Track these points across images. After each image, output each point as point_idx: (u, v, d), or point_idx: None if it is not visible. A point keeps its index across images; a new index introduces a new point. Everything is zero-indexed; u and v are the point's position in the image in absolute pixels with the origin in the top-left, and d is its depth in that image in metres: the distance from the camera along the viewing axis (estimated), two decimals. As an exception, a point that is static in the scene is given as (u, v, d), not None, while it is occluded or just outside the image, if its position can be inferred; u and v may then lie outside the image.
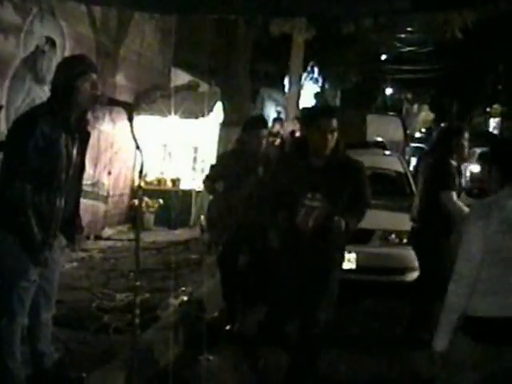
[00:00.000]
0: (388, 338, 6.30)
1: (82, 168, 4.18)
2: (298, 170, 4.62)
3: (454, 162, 5.93)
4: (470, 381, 3.30)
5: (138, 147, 3.74)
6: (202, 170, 12.14)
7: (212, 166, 6.47)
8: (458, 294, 3.29)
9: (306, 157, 4.61)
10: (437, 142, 6.37)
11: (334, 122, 4.53)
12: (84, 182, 4.46)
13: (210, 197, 6.66)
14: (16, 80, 7.70)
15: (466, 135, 6.03)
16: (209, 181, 6.26)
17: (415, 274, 7.11)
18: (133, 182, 11.23)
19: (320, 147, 4.52)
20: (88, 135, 4.20)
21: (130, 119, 3.89)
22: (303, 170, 4.59)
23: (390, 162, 9.63)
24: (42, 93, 7.59)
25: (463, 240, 3.32)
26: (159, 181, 11.64)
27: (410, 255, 7.04)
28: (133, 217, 10.70)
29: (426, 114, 49.90)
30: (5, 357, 3.94)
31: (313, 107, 4.86)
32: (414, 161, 14.07)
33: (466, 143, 6.06)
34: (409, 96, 44.63)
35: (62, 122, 3.90)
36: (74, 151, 4.01)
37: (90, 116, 4.18)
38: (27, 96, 7.84)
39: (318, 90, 24.79)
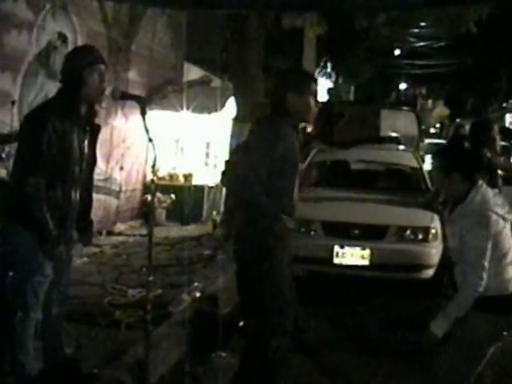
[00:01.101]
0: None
1: (93, 161, 4.17)
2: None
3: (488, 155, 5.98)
4: (488, 354, 3.66)
5: (150, 140, 3.70)
6: (215, 166, 12.13)
7: (226, 162, 6.42)
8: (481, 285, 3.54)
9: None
10: (468, 137, 6.39)
11: None
12: (96, 177, 4.46)
13: (224, 190, 6.63)
14: (29, 75, 7.72)
15: (496, 129, 6.09)
16: (225, 177, 6.22)
17: (431, 271, 7.04)
18: (145, 177, 11.22)
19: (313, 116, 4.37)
20: (98, 128, 4.17)
21: (143, 113, 3.85)
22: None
23: (405, 158, 9.53)
24: (55, 88, 7.50)
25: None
26: (171, 176, 11.61)
27: (426, 252, 6.98)
28: (145, 212, 10.69)
29: (440, 110, 49.59)
30: (18, 351, 3.95)
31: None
32: (428, 158, 13.87)
33: (497, 136, 6.08)
34: (423, 91, 44.41)
35: (73, 115, 3.89)
36: (85, 144, 4.00)
37: (98, 108, 4.12)
38: (40, 91, 7.85)
39: (331, 85, 24.67)
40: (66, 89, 3.94)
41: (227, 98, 11.41)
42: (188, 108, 10.78)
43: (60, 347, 4.25)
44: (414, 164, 9.20)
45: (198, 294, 6.34)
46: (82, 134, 3.95)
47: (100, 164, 9.10)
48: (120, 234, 9.93)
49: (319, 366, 5.46)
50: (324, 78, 23.48)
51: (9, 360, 4.02)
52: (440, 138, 28.40)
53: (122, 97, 4.39)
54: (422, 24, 19.60)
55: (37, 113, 3.97)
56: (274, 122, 4.17)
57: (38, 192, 3.72)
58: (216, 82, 13.20)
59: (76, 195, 3.99)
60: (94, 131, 4.13)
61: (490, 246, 3.55)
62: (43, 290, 3.94)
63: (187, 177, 11.63)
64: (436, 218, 7.07)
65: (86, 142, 4.00)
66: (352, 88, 28.15)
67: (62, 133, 3.79)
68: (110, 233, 9.81)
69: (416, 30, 20.79)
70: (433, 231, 7.07)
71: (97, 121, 4.18)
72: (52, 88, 7.78)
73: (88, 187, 4.24)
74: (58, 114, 3.79)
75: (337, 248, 7.11)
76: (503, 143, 16.58)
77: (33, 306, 3.90)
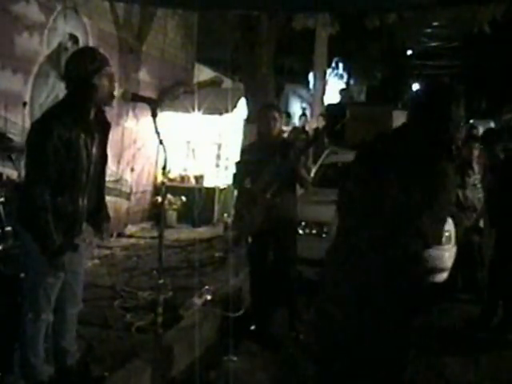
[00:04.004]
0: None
1: (104, 160, 4.14)
2: None
3: None
4: None
5: (161, 142, 3.67)
6: (226, 168, 12.08)
7: (237, 163, 6.38)
8: None
9: None
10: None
11: None
12: (107, 178, 4.42)
13: (235, 192, 6.59)
14: (40, 77, 7.72)
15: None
16: (236, 181, 6.19)
17: (444, 275, 6.98)
18: (155, 178, 11.20)
19: None
20: (108, 125, 4.12)
21: (154, 115, 3.83)
22: None
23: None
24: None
25: None
26: (182, 178, 11.58)
27: (439, 255, 6.92)
28: (156, 214, 10.67)
29: (452, 110, 49.33)
30: (28, 353, 3.95)
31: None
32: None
33: None
34: (435, 92, 44.22)
35: (80, 121, 3.84)
36: (94, 150, 3.96)
37: (106, 108, 4.08)
38: (51, 92, 7.85)
39: (344, 85, 24.61)
40: (73, 95, 3.88)
41: (238, 99, 11.38)
42: (199, 109, 10.74)
43: (72, 350, 4.22)
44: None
45: (208, 297, 6.31)
46: (89, 140, 3.91)
47: (111, 165, 9.11)
48: (131, 236, 9.92)
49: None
50: (336, 78, 23.43)
51: (19, 362, 4.00)
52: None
53: (133, 99, 4.37)
54: (435, 24, 19.51)
55: (43, 121, 3.90)
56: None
57: (43, 201, 3.70)
58: (227, 83, 13.18)
59: (84, 202, 3.96)
60: (105, 129, 4.09)
61: None
62: (55, 292, 3.93)
63: (198, 178, 11.59)
64: (450, 220, 7.00)
65: (94, 148, 3.96)
66: (364, 89, 28.07)
67: (68, 141, 3.76)
68: (120, 235, 9.79)
69: (429, 30, 20.69)
70: (446, 234, 7.01)
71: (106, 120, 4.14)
72: (63, 89, 7.80)
73: (101, 185, 4.20)
74: (64, 122, 3.75)
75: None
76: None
77: (44, 307, 3.90)
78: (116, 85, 3.94)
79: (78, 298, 4.22)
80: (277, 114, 5.94)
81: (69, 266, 3.92)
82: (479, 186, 7.67)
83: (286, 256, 5.94)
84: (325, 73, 17.86)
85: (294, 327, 5.97)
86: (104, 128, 4.08)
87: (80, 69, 3.85)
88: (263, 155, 5.85)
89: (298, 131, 13.65)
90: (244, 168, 6.10)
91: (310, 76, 19.28)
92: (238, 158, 6.56)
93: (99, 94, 3.83)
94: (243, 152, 6.63)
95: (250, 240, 6.16)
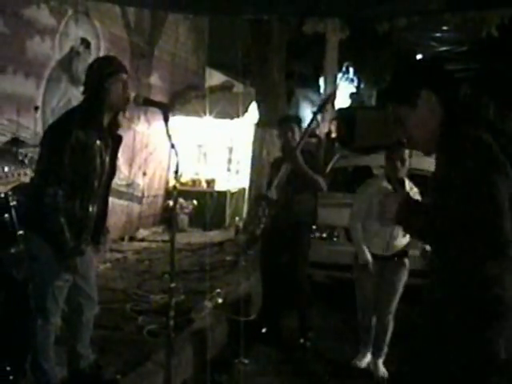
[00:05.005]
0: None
1: (113, 172, 4.14)
2: None
3: None
4: None
5: (172, 146, 3.67)
6: (237, 171, 12.10)
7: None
8: None
9: None
10: None
11: None
12: (119, 182, 4.45)
13: (246, 195, 6.62)
14: (52, 81, 7.76)
15: None
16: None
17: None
18: (167, 182, 11.23)
19: None
20: (120, 138, 4.14)
21: (166, 120, 3.81)
22: None
23: (429, 163, 9.42)
24: (78, 94, 7.59)
25: None
26: (194, 182, 11.60)
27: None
28: (167, 218, 10.68)
29: (462, 114, 49.20)
30: (39, 357, 3.93)
31: None
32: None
33: None
34: (445, 96, 44.11)
35: (96, 126, 3.86)
36: (107, 158, 3.98)
37: (121, 118, 4.10)
38: (63, 97, 7.90)
39: (354, 90, 24.57)
40: (89, 99, 3.90)
41: (249, 104, 11.40)
42: (210, 113, 10.77)
43: (86, 354, 4.22)
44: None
45: (220, 300, 6.31)
46: (104, 146, 3.93)
47: (123, 169, 9.14)
48: (142, 239, 9.94)
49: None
50: (346, 82, 23.40)
51: (30, 366, 4.01)
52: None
53: (145, 103, 4.38)
54: (444, 28, 19.47)
55: (61, 122, 3.92)
56: None
57: (56, 203, 3.69)
58: (238, 88, 13.19)
59: (94, 208, 3.97)
60: (116, 142, 4.11)
61: None
62: (63, 296, 3.93)
63: (210, 182, 11.62)
64: None
65: (108, 156, 3.98)
66: (374, 93, 28.02)
67: (85, 144, 3.77)
68: (132, 238, 9.82)
69: (438, 35, 20.64)
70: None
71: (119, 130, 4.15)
72: (75, 93, 7.85)
73: (105, 199, 4.18)
74: (81, 126, 3.77)
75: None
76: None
77: (52, 310, 3.90)
78: (130, 92, 3.95)
79: (94, 302, 4.22)
80: (295, 126, 6.00)
81: (80, 270, 3.94)
82: None
83: (298, 260, 5.94)
84: (335, 77, 17.80)
85: (304, 332, 5.97)
86: (115, 140, 4.09)
87: (95, 73, 3.90)
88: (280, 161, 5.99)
89: (310, 135, 13.61)
90: (268, 182, 6.23)
91: (321, 80, 19.24)
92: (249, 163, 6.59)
93: (112, 99, 3.85)
94: (272, 165, 6.64)
95: (262, 243, 6.17)
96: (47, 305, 3.87)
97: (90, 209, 3.95)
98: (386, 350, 5.38)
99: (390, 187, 5.18)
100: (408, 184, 5.31)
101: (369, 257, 5.27)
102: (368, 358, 5.49)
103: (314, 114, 6.09)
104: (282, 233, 5.86)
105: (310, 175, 5.76)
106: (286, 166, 5.80)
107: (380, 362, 5.38)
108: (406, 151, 5.31)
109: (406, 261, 5.40)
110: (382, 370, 5.33)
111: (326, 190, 6.01)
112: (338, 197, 7.63)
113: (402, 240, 5.30)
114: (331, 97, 7.31)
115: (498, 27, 12.38)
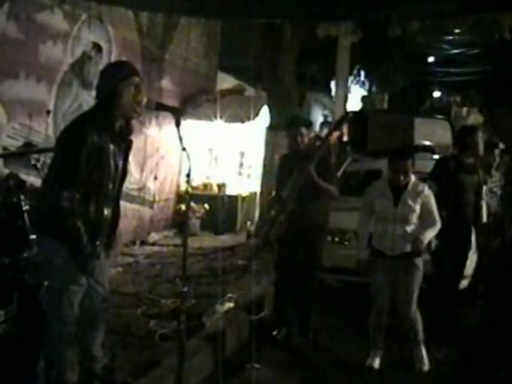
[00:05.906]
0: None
1: (124, 175, 4.14)
2: None
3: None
4: None
5: (184, 149, 3.67)
6: (249, 175, 12.09)
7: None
8: None
9: None
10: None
11: None
12: (130, 186, 4.45)
13: (257, 199, 6.63)
14: (63, 85, 7.80)
15: (480, 134, 6.43)
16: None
17: (465, 282, 6.91)
18: (178, 186, 11.23)
19: None
20: (130, 143, 4.14)
21: (178, 124, 3.82)
22: None
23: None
24: (89, 98, 7.64)
25: None
26: (205, 186, 11.60)
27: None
28: (178, 222, 10.69)
29: (475, 118, 49.02)
30: (55, 361, 3.94)
31: None
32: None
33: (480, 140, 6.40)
34: (457, 99, 43.89)
35: (109, 130, 3.86)
36: (120, 162, 3.99)
37: (134, 122, 4.10)
38: (74, 101, 7.92)
39: (365, 93, 24.53)
40: (102, 103, 3.91)
41: (261, 107, 11.40)
42: (222, 117, 10.78)
43: (100, 356, 4.22)
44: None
45: (231, 305, 6.30)
46: (117, 149, 3.93)
47: (134, 173, 9.16)
48: (154, 243, 9.94)
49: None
50: (358, 86, 23.36)
51: (44, 370, 4.02)
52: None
53: (157, 107, 4.38)
54: (456, 31, 19.41)
55: (76, 126, 3.90)
56: None
57: (73, 206, 3.69)
58: (249, 91, 13.20)
59: (108, 211, 3.97)
60: (127, 146, 4.11)
61: None
62: (78, 300, 3.93)
63: (221, 186, 11.61)
64: (472, 228, 6.93)
65: (121, 160, 3.99)
66: (386, 96, 27.97)
67: (99, 148, 3.77)
68: (143, 243, 9.83)
69: (450, 37, 20.58)
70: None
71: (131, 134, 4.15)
72: (86, 98, 7.88)
73: (116, 203, 4.17)
74: (96, 128, 3.77)
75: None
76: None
77: (68, 315, 3.90)
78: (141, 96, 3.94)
79: (107, 305, 4.23)
80: (304, 129, 5.98)
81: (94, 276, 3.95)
82: (499, 192, 7.65)
83: (310, 265, 5.93)
84: (347, 80, 17.77)
85: (306, 331, 5.97)
86: (126, 144, 4.09)
87: (108, 77, 3.91)
88: (291, 166, 5.93)
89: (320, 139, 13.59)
90: (277, 178, 6.25)
91: (332, 84, 19.22)
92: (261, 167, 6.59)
93: (125, 103, 3.85)
94: (279, 163, 6.65)
95: (275, 247, 6.17)
96: (64, 310, 3.87)
97: (105, 212, 3.95)
98: (422, 346, 5.50)
99: (390, 193, 5.40)
100: (413, 181, 5.44)
101: (363, 254, 5.58)
102: (379, 358, 5.51)
103: (330, 131, 6.34)
104: (298, 238, 5.86)
105: (323, 186, 5.76)
106: (297, 176, 5.77)
107: (423, 354, 5.49)
108: (410, 161, 5.33)
109: (418, 261, 5.41)
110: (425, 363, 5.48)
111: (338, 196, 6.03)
112: (350, 201, 7.58)
113: (407, 241, 5.34)
114: (347, 116, 7.33)
115: (510, 30, 12.34)
